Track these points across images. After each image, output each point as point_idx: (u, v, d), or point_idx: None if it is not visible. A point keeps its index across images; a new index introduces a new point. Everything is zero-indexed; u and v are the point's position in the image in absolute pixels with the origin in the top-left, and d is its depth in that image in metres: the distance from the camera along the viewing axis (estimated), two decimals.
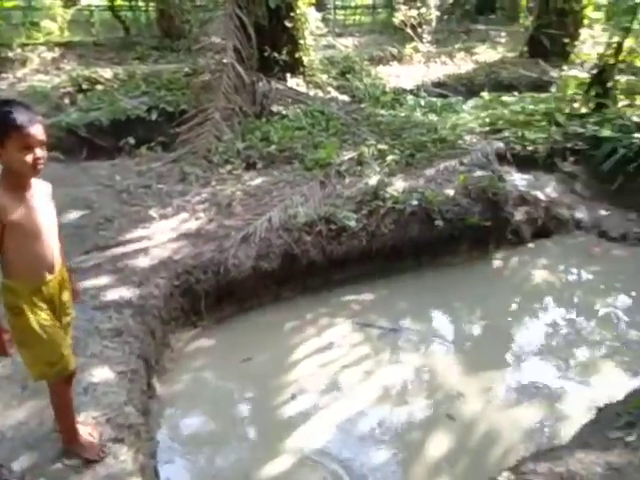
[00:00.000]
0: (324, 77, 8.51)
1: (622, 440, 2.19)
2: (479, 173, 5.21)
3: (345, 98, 8.10)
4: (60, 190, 5.10)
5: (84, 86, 8.41)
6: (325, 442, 3.00)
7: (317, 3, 8.92)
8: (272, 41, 7.77)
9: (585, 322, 4.37)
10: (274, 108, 7.12)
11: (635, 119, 6.31)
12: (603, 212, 5.61)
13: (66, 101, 7.88)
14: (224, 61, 7.05)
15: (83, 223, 4.43)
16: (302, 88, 7.96)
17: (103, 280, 3.50)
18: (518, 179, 5.62)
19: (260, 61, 7.64)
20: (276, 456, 2.90)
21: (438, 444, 3.02)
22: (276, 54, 7.76)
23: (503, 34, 12.80)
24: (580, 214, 5.55)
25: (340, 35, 12.91)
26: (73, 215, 4.55)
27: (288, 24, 7.85)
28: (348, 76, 8.92)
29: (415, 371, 3.63)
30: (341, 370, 3.60)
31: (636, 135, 5.84)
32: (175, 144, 6.29)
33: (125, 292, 3.50)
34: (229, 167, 5.47)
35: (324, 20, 10.01)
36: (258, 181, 5.20)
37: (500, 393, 3.46)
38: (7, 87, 8.80)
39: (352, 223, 4.42)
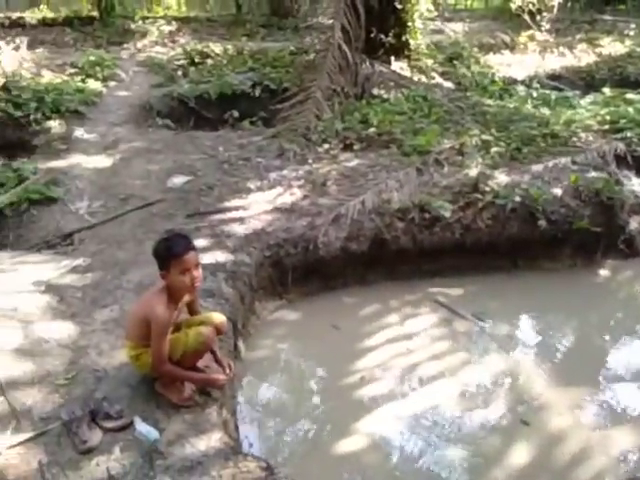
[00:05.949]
0: (429, 62, 8.21)
1: None
2: (593, 174, 4.78)
3: (450, 85, 7.77)
4: (170, 156, 5.43)
5: (196, 60, 8.85)
6: (394, 433, 2.97)
7: None
8: (380, 22, 7.63)
9: None
10: (375, 91, 7.01)
11: None
12: None
13: (179, 73, 8.33)
14: (330, 41, 7.04)
15: (187, 188, 4.69)
16: (406, 72, 7.75)
17: (201, 243, 3.67)
18: (638, 185, 5.09)
19: (365, 42, 7.54)
20: (343, 437, 2.91)
21: (515, 452, 2.87)
22: (382, 36, 7.62)
23: (632, 26, 11.51)
24: None
25: (449, 20, 12.35)
26: (179, 180, 4.82)
27: (398, 5, 7.67)
28: (455, 62, 8.53)
29: (496, 374, 3.46)
30: (418, 362, 3.53)
31: None
32: (276, 120, 6.41)
33: (220, 257, 3.67)
34: (326, 146, 5.49)
35: (434, 3, 9.62)
36: (354, 163, 5.17)
37: (589, 412, 3.21)
38: (128, 57, 9.47)
39: (447, 214, 4.26)
